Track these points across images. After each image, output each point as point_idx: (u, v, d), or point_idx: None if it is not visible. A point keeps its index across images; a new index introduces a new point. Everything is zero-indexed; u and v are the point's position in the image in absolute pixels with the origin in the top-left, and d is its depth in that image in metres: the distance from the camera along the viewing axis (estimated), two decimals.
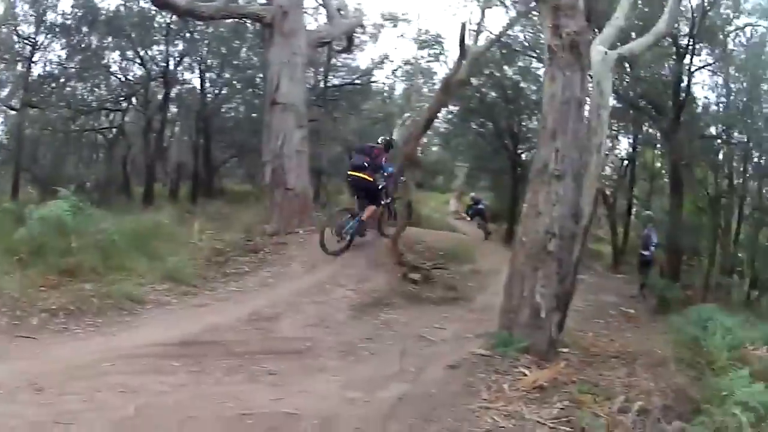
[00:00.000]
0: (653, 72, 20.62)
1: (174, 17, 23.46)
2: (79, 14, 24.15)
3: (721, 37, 20.38)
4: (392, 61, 30.07)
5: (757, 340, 9.27)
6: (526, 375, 7.83)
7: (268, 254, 13.76)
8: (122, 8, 23.92)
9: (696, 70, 20.31)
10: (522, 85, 26.17)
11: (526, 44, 24.81)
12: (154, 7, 21.89)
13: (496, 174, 29.99)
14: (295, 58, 16.36)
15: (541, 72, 24.29)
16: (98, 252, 10.70)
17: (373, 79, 30.79)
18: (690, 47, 19.44)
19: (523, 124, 27.08)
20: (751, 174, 21.75)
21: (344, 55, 27.44)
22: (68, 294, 9.12)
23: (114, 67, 26.28)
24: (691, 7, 18.93)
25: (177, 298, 10.41)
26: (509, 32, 22.71)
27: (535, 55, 24.35)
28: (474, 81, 24.04)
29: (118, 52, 25.72)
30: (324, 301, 11.14)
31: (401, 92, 32.19)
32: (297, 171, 16.08)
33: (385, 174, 15.02)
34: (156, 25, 24.93)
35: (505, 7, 23.60)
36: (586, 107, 9.53)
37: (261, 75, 27.21)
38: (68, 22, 24.19)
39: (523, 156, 26.80)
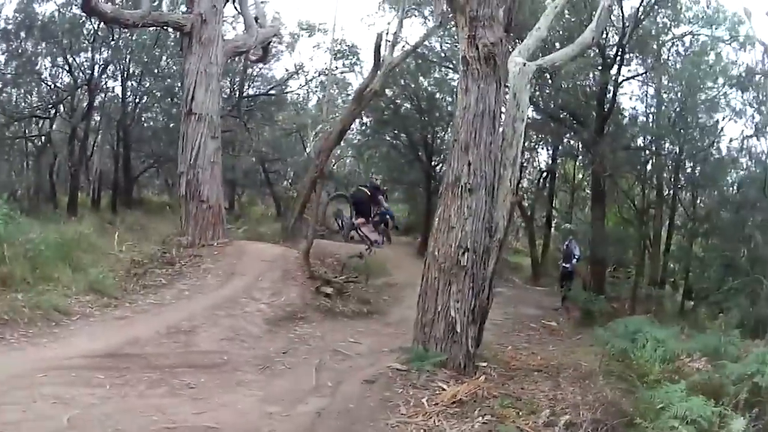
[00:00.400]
0: (575, 83, 21.24)
1: (101, 24, 23.67)
2: (18, 19, 24.41)
3: (654, 46, 20.96)
4: (306, 72, 30.59)
5: (694, 351, 9.35)
6: (444, 389, 8.20)
7: (184, 266, 14.26)
8: (56, 14, 24.70)
9: (624, 80, 21.04)
10: (437, 96, 27.04)
11: (443, 55, 25.63)
12: (83, 14, 22.34)
13: (410, 186, 30.77)
14: (212, 67, 16.83)
15: (456, 83, 25.64)
16: (27, 262, 11.24)
17: (288, 89, 31.58)
18: (619, 57, 19.99)
19: (438, 135, 28.01)
20: (683, 185, 22.43)
21: (260, 65, 28.01)
22: (2, 303, 9.52)
23: (45, 74, 26.60)
24: (623, 16, 19.46)
25: (100, 309, 10.88)
26: (426, 42, 23.70)
27: (451, 66, 25.08)
28: (388, 92, 25.00)
29: (49, 59, 26.03)
30: (239, 315, 11.58)
31: (315, 103, 32.87)
32: (210, 183, 16.52)
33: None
34: (84, 31, 25.21)
35: (424, 17, 24.63)
36: (502, 119, 10.09)
37: (179, 84, 27.79)
38: (9, 27, 24.54)
39: (438, 168, 27.62)
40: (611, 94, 20.33)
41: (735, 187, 20.74)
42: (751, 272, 17.28)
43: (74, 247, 13.12)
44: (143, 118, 29.56)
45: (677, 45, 21.37)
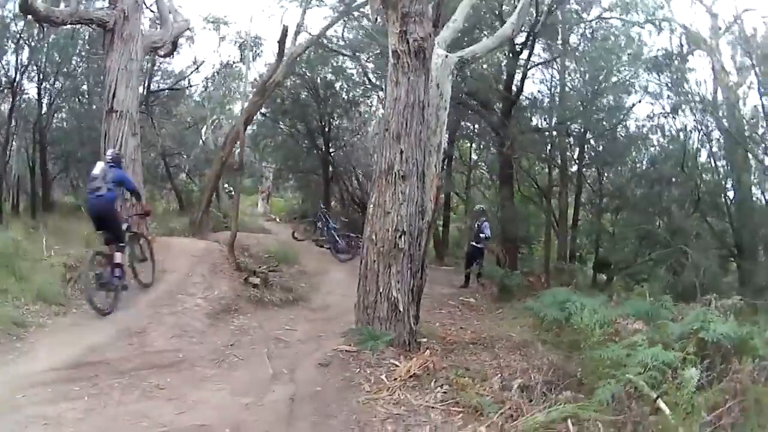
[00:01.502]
0: (483, 68, 21.84)
1: (25, 25, 23.89)
2: None
3: (561, 32, 21.91)
4: (212, 65, 30.58)
5: (628, 315, 10.23)
6: (397, 365, 8.89)
7: None
8: None
9: (533, 66, 22.02)
10: (336, 85, 27.91)
11: (342, 43, 26.35)
12: (9, 14, 23.07)
13: (305, 173, 31.74)
14: (132, 63, 16.91)
15: (353, 71, 26.69)
16: None
17: (190, 83, 31.70)
18: (528, 44, 20.87)
19: (335, 123, 29.21)
20: (587, 162, 23.58)
21: (161, 60, 27.97)
22: None
23: None
24: (536, 3, 20.00)
25: (51, 318, 10.90)
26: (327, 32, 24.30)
27: (348, 54, 26.12)
28: (287, 81, 25.66)
29: None
30: (180, 311, 11.97)
31: (211, 96, 33.09)
32: (132, 180, 15.63)
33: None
34: (9, 33, 24.90)
35: (331, 8, 24.91)
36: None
37: (86, 83, 28.13)
38: None
39: (333, 154, 28.97)
40: (520, 79, 21.33)
41: (647, 164, 21.70)
42: (672, 243, 18.53)
43: (12, 256, 13.03)
44: (56, 120, 29.24)
45: (587, 30, 22.29)
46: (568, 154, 23.30)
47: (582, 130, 21.84)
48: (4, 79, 25.45)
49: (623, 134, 22.60)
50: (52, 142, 27.73)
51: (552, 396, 7.49)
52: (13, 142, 27.41)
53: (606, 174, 23.54)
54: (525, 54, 21.22)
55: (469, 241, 20.08)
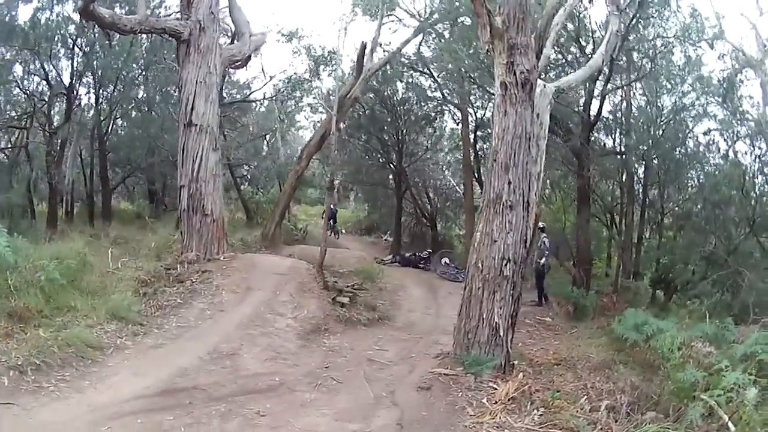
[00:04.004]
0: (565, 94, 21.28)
1: (81, 31, 23.72)
2: None
3: (637, 57, 21.48)
4: (286, 79, 30.29)
5: (698, 338, 10.35)
6: (495, 389, 9.08)
7: (195, 283, 14.03)
8: (35, 20, 23.56)
9: (612, 90, 21.54)
10: (411, 100, 27.74)
11: (416, 59, 26.05)
12: (57, 18, 22.72)
13: (374, 187, 31.83)
14: (211, 77, 16.72)
15: (427, 87, 26.51)
16: (39, 291, 10.58)
17: (265, 96, 31.42)
18: (607, 69, 19.84)
19: (410, 138, 28.89)
20: (652, 182, 22.49)
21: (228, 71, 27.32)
22: (26, 344, 8.89)
23: (22, 83, 25.70)
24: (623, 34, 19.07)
25: (130, 339, 10.53)
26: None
27: (426, 72, 25.96)
28: (362, 97, 25.11)
29: (23, 67, 25.20)
30: (271, 332, 11.87)
31: (281, 110, 32.86)
32: (213, 195, 16.36)
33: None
34: (60, 38, 24.52)
35: (404, 25, 24.90)
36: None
37: (145, 92, 28.15)
38: None
39: (408, 169, 28.50)
40: (599, 104, 20.86)
41: (708, 185, 21.18)
42: (727, 264, 18.26)
43: (78, 269, 12.36)
44: (115, 127, 29.24)
45: (652, 53, 21.39)
46: (634, 174, 22.65)
47: (648, 150, 21.21)
48: (56, 83, 25.20)
49: (684, 154, 21.94)
50: (113, 149, 27.92)
51: (636, 416, 7.80)
52: (70, 148, 26.70)
53: (667, 193, 22.92)
54: (601, 77, 20.45)
55: (535, 259, 19.41)
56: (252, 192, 32.26)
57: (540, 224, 19.00)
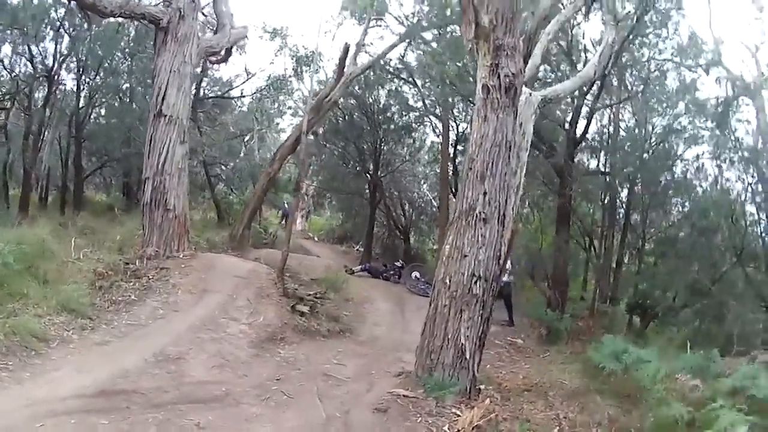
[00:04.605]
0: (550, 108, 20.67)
1: (65, 13, 23.38)
2: None
3: (628, 74, 21.24)
4: (253, 74, 29.74)
5: (682, 369, 9.98)
6: (458, 415, 8.38)
7: (152, 280, 13.49)
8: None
9: (601, 108, 20.97)
10: (392, 108, 27.19)
11: (401, 66, 25.59)
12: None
13: (349, 195, 31.00)
14: (185, 66, 16.04)
15: (409, 96, 26.00)
16: None
17: (242, 93, 30.69)
18: (597, 86, 19.53)
19: (386, 147, 28.21)
20: (636, 206, 22.10)
21: (209, 66, 27.09)
22: None
23: (8, 63, 25.46)
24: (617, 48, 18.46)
25: (77, 333, 10.12)
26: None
27: (408, 79, 25.47)
28: (342, 101, 24.83)
29: (12, 46, 24.90)
30: (223, 338, 11.12)
31: (260, 109, 31.83)
32: (177, 190, 15.70)
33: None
34: (48, 19, 24.07)
35: (391, 32, 24.40)
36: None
37: (128, 82, 27.35)
38: None
39: (383, 179, 27.91)
40: (586, 122, 20.35)
41: (697, 212, 20.84)
42: (711, 294, 17.98)
43: (36, 256, 12.05)
44: (95, 116, 28.59)
45: (644, 74, 21.28)
46: (617, 196, 22.21)
47: (633, 172, 20.70)
48: (40, 66, 24.80)
49: (671, 179, 21.50)
50: (90, 138, 27.01)
51: None
52: (47, 133, 26.52)
53: (650, 218, 22.41)
54: (590, 95, 19.94)
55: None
56: (226, 192, 31.65)
57: None
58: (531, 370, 12.98)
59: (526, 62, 10.15)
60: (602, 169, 22.13)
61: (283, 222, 32.17)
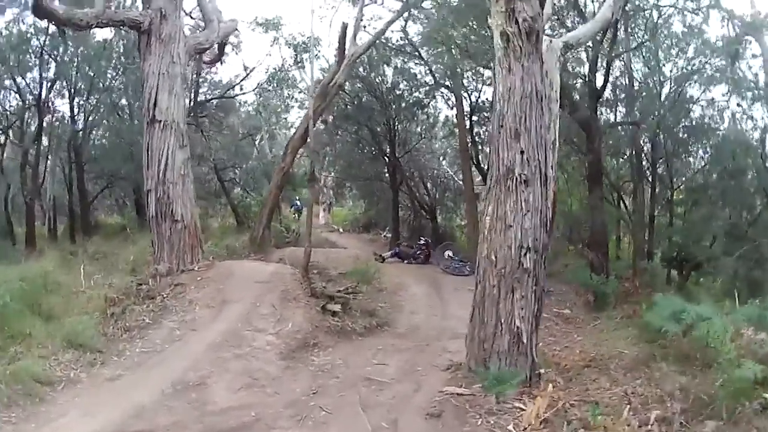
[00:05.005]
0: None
1: (47, 38, 22.53)
2: None
3: (643, 20, 19.93)
4: (256, 71, 28.73)
5: (744, 324, 9.00)
6: (522, 409, 7.29)
7: (167, 299, 12.36)
8: (3, 30, 22.91)
9: (618, 55, 19.50)
10: (400, 85, 25.94)
11: (403, 42, 24.41)
12: (30, 29, 21.78)
13: (369, 181, 29.83)
14: (174, 67, 14.97)
15: (417, 71, 24.87)
16: None
17: (240, 92, 29.51)
18: (611, 32, 18.10)
19: (400, 126, 27.02)
20: (663, 158, 21.46)
21: (206, 70, 26.35)
22: None
23: None
24: None
25: (85, 370, 9.12)
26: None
27: (415, 53, 24.21)
28: (347, 84, 23.82)
29: None
30: (248, 353, 9.97)
31: (264, 105, 30.76)
32: (183, 198, 14.65)
33: None
34: (31, 47, 23.28)
35: (389, 10, 22.89)
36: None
37: (123, 97, 26.30)
38: None
39: (402, 159, 26.79)
40: (605, 71, 18.82)
41: (727, 153, 19.62)
42: (748, 238, 17.37)
43: (39, 291, 11.19)
44: (93, 137, 27.62)
45: (654, 18, 19.96)
46: (644, 149, 21.36)
47: (655, 121, 19.65)
48: (30, 96, 23.95)
49: (692, 124, 20.72)
50: (91, 161, 26.06)
51: (693, 426, 6.71)
52: (48, 162, 25.98)
53: (676, 167, 21.68)
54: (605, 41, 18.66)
55: None
56: (242, 196, 30.39)
57: None
58: (585, 342, 11.91)
59: (542, 5, 8.73)
60: (627, 120, 20.99)
61: (297, 216, 31.68)
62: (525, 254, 8.01)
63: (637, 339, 10.77)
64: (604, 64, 18.34)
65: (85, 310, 11.18)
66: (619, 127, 21.44)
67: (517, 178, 8.04)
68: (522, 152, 8.06)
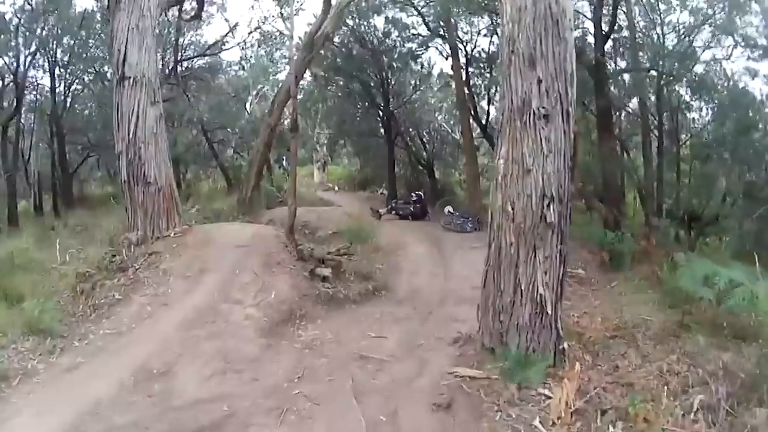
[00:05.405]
0: None
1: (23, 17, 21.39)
2: None
3: None
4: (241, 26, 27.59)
5: None
6: (548, 396, 6.28)
7: (139, 270, 10.95)
8: None
9: None
10: (394, 36, 24.48)
11: None
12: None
13: (363, 136, 28.47)
14: (144, 20, 13.44)
15: (409, 20, 23.58)
16: None
17: (224, 44, 27.70)
18: None
19: (394, 77, 25.69)
20: (667, 112, 19.70)
21: (191, 33, 25.17)
22: None
23: None
24: None
25: (44, 360, 7.94)
26: None
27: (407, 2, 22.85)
28: (337, 36, 22.76)
29: None
30: (223, 330, 8.60)
31: (252, 63, 29.90)
32: (156, 159, 13.18)
33: None
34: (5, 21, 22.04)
35: None
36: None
37: (107, 66, 24.41)
38: None
39: (397, 112, 25.62)
40: (612, 12, 17.41)
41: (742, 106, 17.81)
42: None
43: (7, 271, 10.32)
44: (75, 107, 26.25)
45: None
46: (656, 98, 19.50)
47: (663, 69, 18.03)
48: (8, 72, 22.81)
49: (700, 75, 18.69)
50: (72, 131, 25.03)
51: (741, 414, 5.88)
52: (32, 138, 24.94)
53: (681, 122, 20.05)
54: None
55: None
56: (234, 158, 29.26)
57: None
58: (604, 306, 10.60)
59: None
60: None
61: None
62: (548, 205, 6.61)
63: (660, 304, 9.83)
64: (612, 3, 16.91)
65: (55, 289, 10.23)
66: (626, 76, 19.82)
67: (534, 113, 6.62)
68: (540, 81, 6.64)
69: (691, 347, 7.65)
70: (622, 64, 20.19)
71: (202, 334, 8.40)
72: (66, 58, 23.99)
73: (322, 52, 21.33)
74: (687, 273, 8.92)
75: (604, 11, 17.25)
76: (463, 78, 22.23)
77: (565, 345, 7.30)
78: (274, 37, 26.51)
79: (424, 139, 27.35)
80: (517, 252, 6.72)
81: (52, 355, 8.10)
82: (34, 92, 24.67)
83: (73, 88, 25.35)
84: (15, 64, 22.40)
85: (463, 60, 22.47)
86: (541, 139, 6.57)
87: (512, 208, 6.74)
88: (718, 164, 17.89)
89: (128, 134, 13.01)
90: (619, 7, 17.54)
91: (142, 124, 13.04)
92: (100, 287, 10.41)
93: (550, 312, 6.76)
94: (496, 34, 20.59)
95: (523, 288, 6.74)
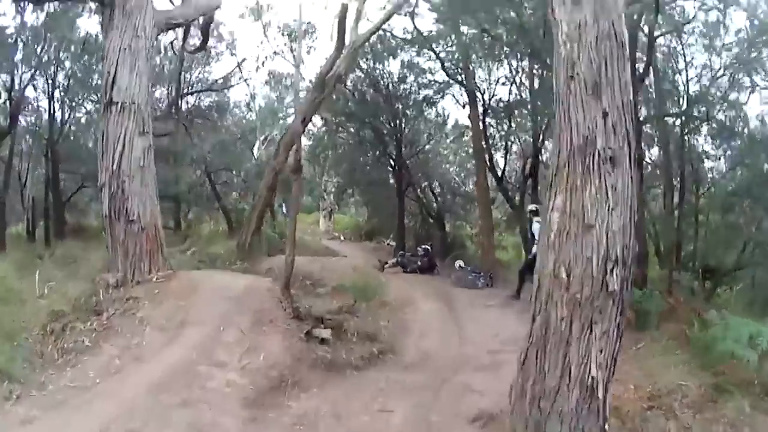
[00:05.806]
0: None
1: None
2: None
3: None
4: (243, 60, 27.12)
5: None
6: None
7: (114, 316, 9.74)
8: None
9: (660, 35, 17.04)
10: (410, 79, 23.81)
11: (409, 37, 22.34)
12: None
13: (373, 185, 27.63)
14: (137, 41, 12.54)
15: (426, 65, 23.01)
16: None
17: (231, 85, 27.81)
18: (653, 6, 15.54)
19: (407, 126, 24.97)
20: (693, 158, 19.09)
21: (199, 69, 24.79)
22: None
23: None
24: None
25: None
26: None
27: (417, 43, 22.12)
28: (349, 79, 22.23)
29: None
30: (199, 398, 7.29)
31: (261, 105, 29.91)
32: (141, 194, 12.14)
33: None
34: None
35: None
36: None
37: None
38: None
39: (410, 161, 24.84)
40: (648, 50, 16.28)
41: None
42: None
43: None
44: (71, 135, 25.45)
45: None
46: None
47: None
48: (4, 94, 22.29)
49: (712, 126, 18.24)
50: (69, 160, 24.10)
51: None
52: (29, 162, 24.65)
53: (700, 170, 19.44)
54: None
55: (528, 251, 16.25)
56: (237, 201, 28.38)
57: (533, 206, 15.91)
58: (634, 372, 9.33)
59: None
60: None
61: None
62: (611, 270, 5.33)
63: (690, 365, 9.13)
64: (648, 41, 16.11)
65: (25, 325, 9.09)
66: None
67: (599, 154, 5.35)
68: (605, 115, 5.39)
69: (733, 413, 7.37)
70: (643, 111, 18.69)
71: (175, 401, 7.10)
72: (66, 83, 23.28)
73: (333, 96, 20.53)
74: (730, 333, 8.96)
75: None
76: (481, 127, 21.40)
77: (607, 427, 6.02)
78: (284, 77, 26.20)
79: (435, 191, 26.58)
80: (569, 328, 5.46)
81: (7, 402, 7.10)
82: (33, 114, 24.09)
83: (71, 115, 24.70)
84: (11, 81, 21.73)
85: (480, 109, 21.65)
86: (606, 188, 5.34)
87: (567, 275, 5.46)
88: (739, 213, 17.46)
89: (112, 165, 12.06)
90: (655, 42, 16.65)
91: (128, 154, 12.08)
92: (70, 330, 9.27)
93: (600, 396, 5.55)
94: (514, 83, 20.53)
95: (573, 370, 5.50)
